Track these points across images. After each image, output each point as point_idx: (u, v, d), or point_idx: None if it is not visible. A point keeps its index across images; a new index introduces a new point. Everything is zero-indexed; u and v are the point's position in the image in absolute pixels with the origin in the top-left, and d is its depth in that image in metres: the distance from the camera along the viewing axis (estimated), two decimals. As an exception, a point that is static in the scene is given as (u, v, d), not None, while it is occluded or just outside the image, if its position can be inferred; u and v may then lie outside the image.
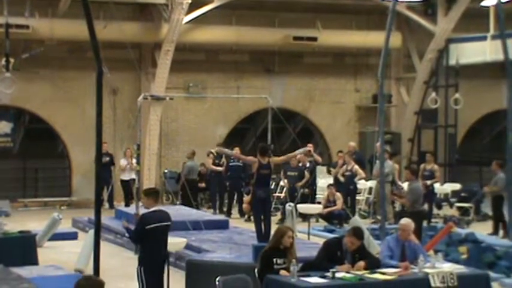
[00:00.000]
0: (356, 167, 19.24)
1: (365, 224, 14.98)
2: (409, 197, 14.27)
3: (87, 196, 19.93)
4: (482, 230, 16.66)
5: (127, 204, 20.15)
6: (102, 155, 19.12)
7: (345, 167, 19.34)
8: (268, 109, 16.81)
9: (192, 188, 19.93)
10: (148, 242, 9.03)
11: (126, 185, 20.29)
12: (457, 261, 12.43)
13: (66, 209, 20.72)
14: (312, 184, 19.64)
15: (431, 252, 12.78)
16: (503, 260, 12.86)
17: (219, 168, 20.40)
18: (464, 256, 13.00)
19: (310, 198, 19.40)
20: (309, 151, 18.07)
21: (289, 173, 19.48)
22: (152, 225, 9.02)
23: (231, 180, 20.02)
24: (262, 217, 13.57)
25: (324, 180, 20.57)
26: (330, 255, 9.43)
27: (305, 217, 17.54)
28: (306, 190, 19.11)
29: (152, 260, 9.09)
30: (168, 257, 9.50)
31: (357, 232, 9.55)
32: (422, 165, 19.67)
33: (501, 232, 16.50)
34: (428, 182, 18.76)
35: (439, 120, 24.11)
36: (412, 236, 10.29)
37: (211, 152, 20.63)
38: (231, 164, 19.94)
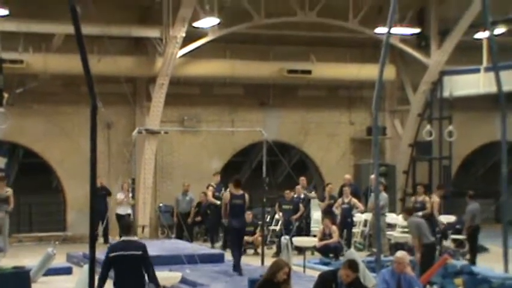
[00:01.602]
0: (354, 200, 19.26)
1: (361, 257, 14.95)
2: (412, 232, 14.26)
3: (82, 231, 19.84)
4: (478, 262, 16.66)
5: (122, 239, 20.07)
6: (97, 190, 19.39)
7: (340, 199, 19.35)
8: (263, 142, 16.85)
9: (185, 222, 19.92)
10: (114, 270, 9.25)
11: (122, 219, 20.20)
12: (453, 294, 12.43)
13: (61, 244, 20.58)
14: (306, 217, 19.64)
15: (427, 284, 12.75)
16: (499, 291, 12.84)
17: (218, 202, 20.36)
18: (460, 288, 12.98)
19: (305, 230, 19.41)
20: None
21: (284, 206, 19.48)
22: (115, 254, 9.20)
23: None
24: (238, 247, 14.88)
25: (318, 213, 20.56)
26: (325, 288, 9.41)
27: (300, 250, 17.51)
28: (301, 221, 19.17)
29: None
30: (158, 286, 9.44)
31: (352, 265, 9.54)
32: (413, 198, 19.72)
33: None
34: (420, 213, 18.77)
35: (434, 152, 24.16)
36: (407, 269, 10.29)
37: (211, 185, 20.62)
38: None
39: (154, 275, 9.34)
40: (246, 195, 14.85)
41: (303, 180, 20.33)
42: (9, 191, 18.99)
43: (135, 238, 9.44)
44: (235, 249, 15.01)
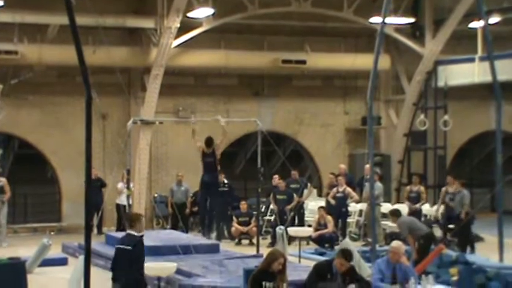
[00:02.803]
0: (349, 189, 19.28)
1: (356, 247, 14.97)
2: (403, 232, 14.32)
3: (77, 221, 19.86)
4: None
5: (118, 229, 20.06)
6: (93, 181, 19.37)
7: (335, 189, 19.36)
8: (258, 132, 16.84)
9: (181, 212, 19.91)
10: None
11: (122, 209, 20.17)
12: (448, 283, 12.44)
13: (56, 235, 20.64)
14: (300, 207, 19.65)
15: (422, 274, 12.76)
16: (494, 281, 12.83)
17: None
18: (455, 278, 12.97)
19: (299, 221, 19.44)
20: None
21: (278, 197, 19.48)
22: (116, 246, 9.71)
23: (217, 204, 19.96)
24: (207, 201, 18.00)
25: (313, 203, 20.58)
26: (320, 278, 9.43)
27: (295, 240, 17.53)
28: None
29: (118, 279, 9.54)
30: (139, 281, 9.51)
31: (346, 253, 9.56)
32: (408, 187, 19.73)
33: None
34: (418, 205, 18.83)
35: (429, 142, 24.17)
36: (403, 258, 10.31)
37: None
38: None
39: (139, 271, 9.45)
40: (217, 153, 17.46)
41: (294, 174, 20.30)
42: (3, 181, 18.98)
43: (133, 232, 9.47)
44: (204, 204, 18.13)
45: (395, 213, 14.79)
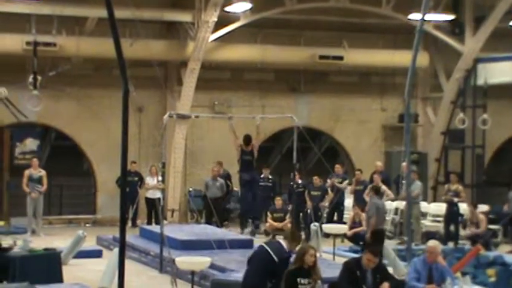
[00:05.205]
0: (384, 187, 19.13)
1: (391, 245, 14.88)
2: (369, 212, 14.84)
3: (112, 214, 19.98)
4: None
5: (149, 223, 20.15)
6: (131, 174, 19.52)
7: (371, 186, 19.21)
8: (294, 128, 16.79)
9: (216, 207, 19.85)
10: None
11: (151, 203, 20.26)
12: (485, 284, 12.32)
13: (91, 227, 20.79)
14: (337, 204, 19.56)
15: (458, 274, 12.64)
16: (532, 283, 12.70)
17: None
18: (492, 279, 12.86)
19: (338, 218, 19.36)
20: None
21: (312, 193, 19.42)
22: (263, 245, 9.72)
23: (260, 200, 19.97)
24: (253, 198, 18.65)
25: (349, 200, 20.48)
26: (350, 276, 9.37)
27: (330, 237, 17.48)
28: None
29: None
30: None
31: (373, 249, 9.51)
32: (446, 186, 19.56)
33: None
34: (455, 200, 18.63)
35: (467, 141, 23.93)
36: (439, 258, 10.21)
37: None
38: (260, 183, 19.89)
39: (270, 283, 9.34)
40: (255, 151, 17.48)
41: (337, 168, 20.26)
42: (42, 172, 19.19)
43: (284, 245, 9.50)
44: (247, 199, 18.69)
45: (377, 191, 15.09)
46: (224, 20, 21.20)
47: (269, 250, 9.31)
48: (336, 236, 16.77)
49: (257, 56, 22.50)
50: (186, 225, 20.15)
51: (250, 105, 23.18)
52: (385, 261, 11.81)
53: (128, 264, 9.42)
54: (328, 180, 19.93)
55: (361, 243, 17.84)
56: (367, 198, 19.09)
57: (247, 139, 17.49)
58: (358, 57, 23.24)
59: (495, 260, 14.19)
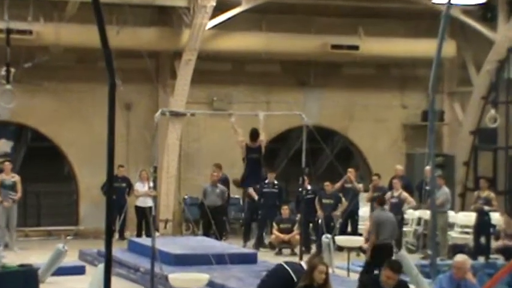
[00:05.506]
0: (405, 194, 19.13)
1: (413, 260, 14.89)
2: (371, 227, 14.71)
3: (97, 225, 19.98)
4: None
5: (139, 235, 20.15)
6: (118, 180, 19.56)
7: (390, 193, 19.24)
8: (303, 127, 16.81)
9: (215, 216, 19.86)
10: None
11: (141, 212, 20.24)
12: (520, 304, 12.31)
13: (72, 240, 20.77)
14: (352, 213, 19.56)
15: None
16: None
17: (256, 196, 20.33)
18: (528, 298, 12.86)
19: (353, 229, 19.39)
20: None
21: (324, 201, 19.43)
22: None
23: (264, 208, 19.99)
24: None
25: (365, 209, 20.50)
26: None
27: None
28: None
29: None
30: None
31: (393, 264, 9.50)
32: (476, 193, 19.58)
33: None
34: (486, 208, 18.62)
35: (499, 141, 23.95)
36: (468, 275, 10.21)
37: None
38: (264, 189, 19.91)
39: None
40: (263, 147, 16.20)
41: (351, 171, 20.26)
42: (16, 177, 19.20)
43: None
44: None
45: (381, 202, 15.19)
46: (224, 4, 21.25)
47: (289, 269, 9.54)
48: (350, 249, 16.79)
49: (261, 45, 22.53)
50: (181, 237, 20.17)
51: (253, 101, 23.21)
52: (406, 279, 11.80)
53: (115, 281, 9.43)
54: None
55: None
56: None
57: (254, 133, 16.99)
58: (375, 46, 23.26)
59: (532, 276, 14.19)
